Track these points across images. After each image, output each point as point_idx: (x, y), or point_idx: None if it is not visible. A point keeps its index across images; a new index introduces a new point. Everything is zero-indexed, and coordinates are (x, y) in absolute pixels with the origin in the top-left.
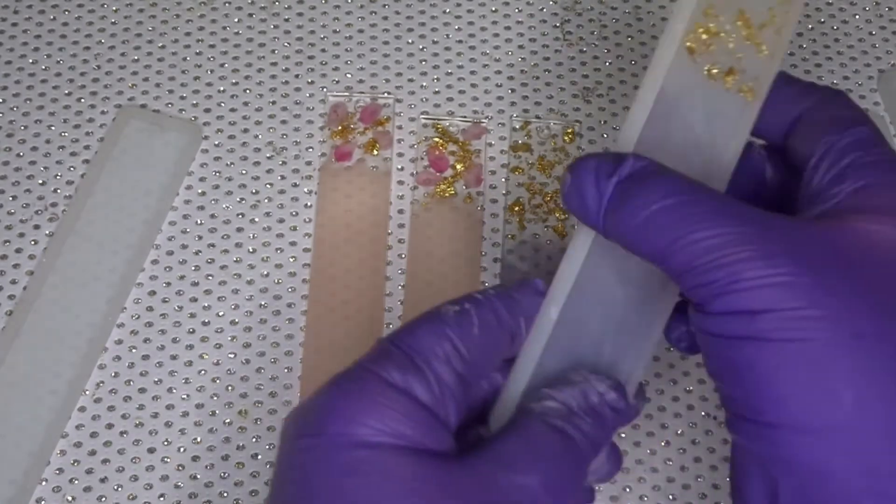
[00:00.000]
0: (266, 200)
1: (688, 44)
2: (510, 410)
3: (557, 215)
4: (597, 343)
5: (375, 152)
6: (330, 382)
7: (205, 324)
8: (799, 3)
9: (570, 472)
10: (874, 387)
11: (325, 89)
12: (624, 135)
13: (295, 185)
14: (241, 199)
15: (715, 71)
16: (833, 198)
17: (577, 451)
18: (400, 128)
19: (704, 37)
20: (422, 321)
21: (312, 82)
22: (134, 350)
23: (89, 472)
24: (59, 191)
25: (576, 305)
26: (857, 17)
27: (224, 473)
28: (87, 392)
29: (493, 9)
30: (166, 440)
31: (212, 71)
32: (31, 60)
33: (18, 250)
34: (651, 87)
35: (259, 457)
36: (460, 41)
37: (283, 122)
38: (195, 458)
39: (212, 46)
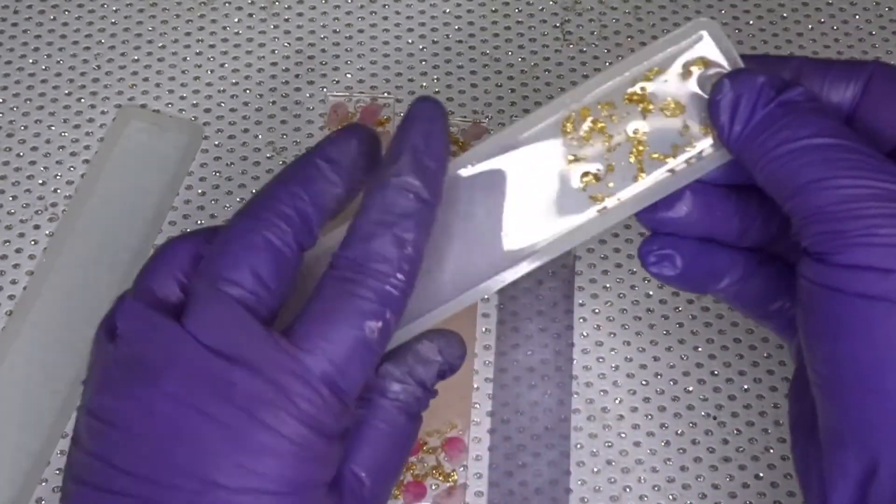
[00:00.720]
0: None
1: (566, 122)
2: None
3: None
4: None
5: None
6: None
7: None
8: (712, 162)
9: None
10: None
11: (325, 89)
12: (469, 153)
13: None
14: (241, 199)
15: (572, 159)
16: None
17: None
18: None
19: (585, 126)
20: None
21: (312, 82)
22: None
23: None
24: (59, 191)
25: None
26: (857, 17)
27: None
28: None
29: (493, 9)
30: None
31: (212, 71)
32: (31, 60)
33: (18, 250)
34: (517, 130)
35: None
36: (460, 41)
37: (283, 122)
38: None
39: (212, 46)
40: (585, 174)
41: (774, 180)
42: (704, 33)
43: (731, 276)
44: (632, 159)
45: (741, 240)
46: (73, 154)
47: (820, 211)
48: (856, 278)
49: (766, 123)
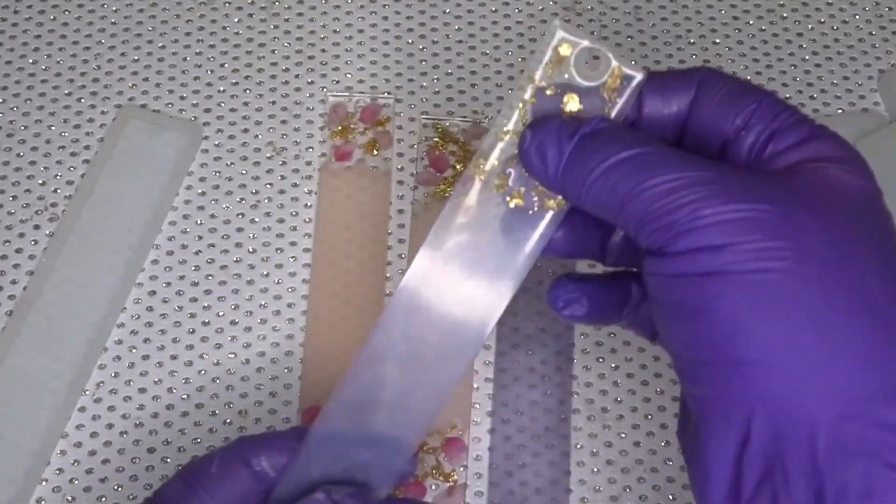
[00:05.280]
0: (266, 200)
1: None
2: None
3: None
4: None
5: (375, 152)
6: None
7: (205, 324)
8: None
9: None
10: (836, 315)
11: (325, 89)
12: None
13: (295, 185)
14: (241, 199)
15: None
16: (770, 159)
17: None
18: (400, 128)
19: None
20: None
21: (312, 82)
22: (134, 350)
23: (89, 472)
24: (59, 191)
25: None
26: (857, 17)
27: None
28: (87, 392)
29: (493, 9)
30: (166, 440)
31: (212, 71)
32: (31, 60)
33: (18, 250)
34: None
35: None
36: (460, 41)
37: (283, 122)
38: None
39: (212, 46)
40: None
41: (598, 204)
42: (557, 26)
43: (629, 306)
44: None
45: (606, 258)
46: (73, 154)
47: (646, 212)
48: (692, 261)
49: (574, 158)
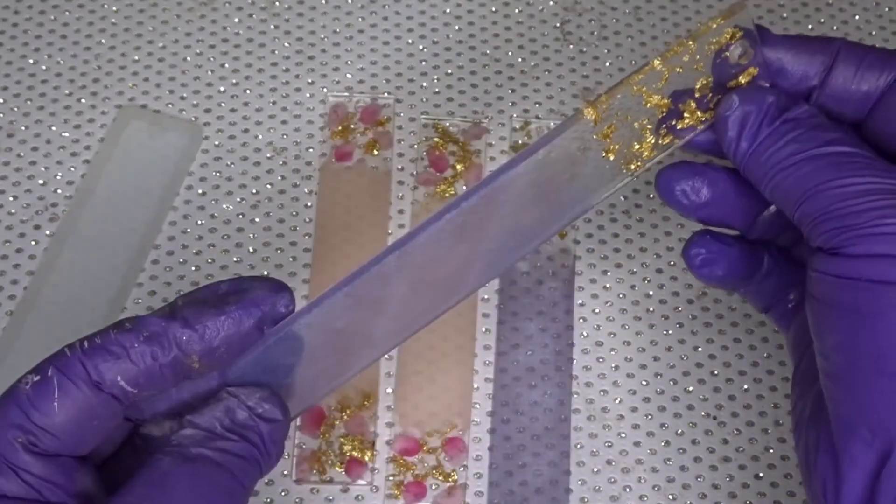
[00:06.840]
0: (266, 200)
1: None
2: None
3: None
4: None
5: (375, 152)
6: None
7: None
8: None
9: (221, 499)
10: None
11: (325, 89)
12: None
13: (295, 185)
14: (241, 199)
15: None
16: None
17: (225, 476)
18: (400, 128)
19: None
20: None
21: (312, 82)
22: None
23: None
24: (59, 191)
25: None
26: (857, 17)
27: None
28: None
29: (493, 9)
30: None
31: (212, 71)
32: (31, 60)
33: (19, 250)
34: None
35: None
36: (460, 41)
37: (283, 122)
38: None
39: (212, 46)
40: (609, 149)
41: (782, 190)
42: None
43: (757, 276)
44: (646, 123)
45: (753, 230)
46: (73, 154)
47: (830, 209)
48: (869, 266)
49: (772, 139)
